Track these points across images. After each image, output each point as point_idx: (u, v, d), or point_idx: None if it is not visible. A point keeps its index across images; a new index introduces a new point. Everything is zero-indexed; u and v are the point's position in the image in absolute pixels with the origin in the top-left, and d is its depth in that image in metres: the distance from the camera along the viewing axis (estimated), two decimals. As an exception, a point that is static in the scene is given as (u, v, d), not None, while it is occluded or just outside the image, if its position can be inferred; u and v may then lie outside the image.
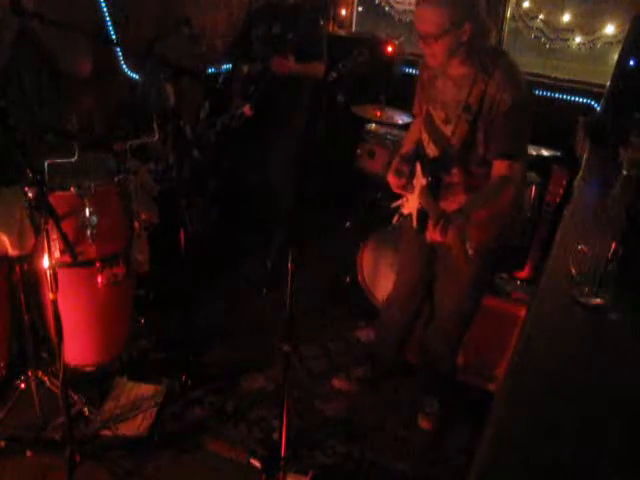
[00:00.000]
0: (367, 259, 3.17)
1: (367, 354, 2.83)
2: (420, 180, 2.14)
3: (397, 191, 2.26)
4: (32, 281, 2.30)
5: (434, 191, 2.10)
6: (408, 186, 2.21)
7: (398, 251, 2.65)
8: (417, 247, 2.40)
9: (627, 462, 1.06)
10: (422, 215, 2.11)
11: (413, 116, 2.48)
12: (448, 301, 2.40)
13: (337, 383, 2.76)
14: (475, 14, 1.95)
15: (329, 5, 4.57)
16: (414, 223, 2.19)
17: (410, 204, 2.24)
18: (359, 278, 3.20)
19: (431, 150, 2.21)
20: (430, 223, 1.90)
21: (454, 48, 1.96)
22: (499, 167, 2.03)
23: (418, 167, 2.17)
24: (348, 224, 3.86)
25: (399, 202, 2.35)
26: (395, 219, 2.38)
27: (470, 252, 1.86)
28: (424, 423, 2.59)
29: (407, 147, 2.38)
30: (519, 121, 2.00)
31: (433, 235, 1.89)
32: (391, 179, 2.23)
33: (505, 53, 2.10)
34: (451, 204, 2.11)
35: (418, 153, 2.29)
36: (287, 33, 3.15)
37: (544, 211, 2.86)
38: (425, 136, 2.24)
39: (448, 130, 2.11)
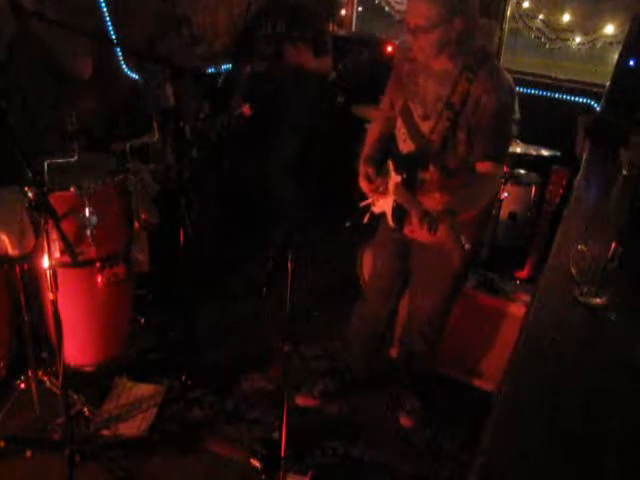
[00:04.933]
0: (368, 260, 3.17)
1: (326, 370, 2.76)
2: (394, 177, 2.10)
3: (371, 195, 2.23)
4: (32, 281, 2.29)
5: (410, 187, 2.06)
6: (381, 187, 2.16)
7: (373, 249, 2.56)
8: (392, 244, 2.38)
9: (628, 461, 1.06)
10: (398, 212, 2.08)
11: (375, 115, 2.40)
12: (429, 302, 2.38)
13: (301, 401, 2.63)
14: (466, 11, 1.93)
15: (334, 4, 4.56)
16: (390, 222, 2.15)
17: (382, 202, 2.19)
18: (360, 279, 3.19)
19: (407, 146, 2.15)
20: (414, 221, 1.87)
21: (443, 43, 1.95)
22: (484, 167, 2.03)
23: (390, 164, 2.12)
24: (348, 224, 3.85)
25: (368, 201, 2.29)
26: (366, 218, 2.31)
27: (467, 246, 1.86)
28: (405, 421, 2.58)
29: (368, 149, 2.31)
30: (505, 123, 2.01)
31: (420, 234, 1.86)
32: (363, 185, 2.19)
33: (490, 55, 2.08)
34: (427, 200, 2.05)
35: (389, 150, 2.22)
36: (292, 31, 3.17)
37: (544, 211, 2.86)
38: (403, 131, 2.18)
39: (426, 126, 2.08)
